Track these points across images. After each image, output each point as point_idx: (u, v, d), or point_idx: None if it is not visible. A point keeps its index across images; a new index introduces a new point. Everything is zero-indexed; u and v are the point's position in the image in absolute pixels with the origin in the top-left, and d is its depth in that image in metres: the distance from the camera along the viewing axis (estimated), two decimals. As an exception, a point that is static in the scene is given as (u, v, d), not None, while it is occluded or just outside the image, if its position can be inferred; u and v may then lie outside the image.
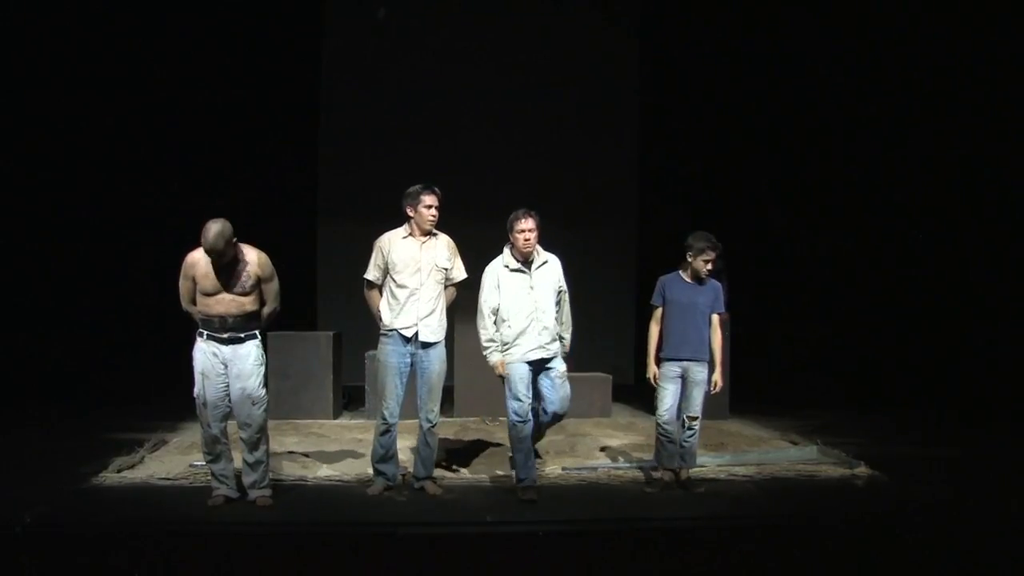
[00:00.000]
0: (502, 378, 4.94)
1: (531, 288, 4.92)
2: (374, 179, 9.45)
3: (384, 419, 4.89)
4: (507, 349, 4.91)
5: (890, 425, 7.35)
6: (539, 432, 5.22)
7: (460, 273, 5.07)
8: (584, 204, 10.10)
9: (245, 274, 4.58)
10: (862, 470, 5.50)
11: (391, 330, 4.88)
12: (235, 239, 4.51)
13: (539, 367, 4.95)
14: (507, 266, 4.96)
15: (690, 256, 5.05)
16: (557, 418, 5.14)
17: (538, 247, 4.98)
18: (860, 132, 9.22)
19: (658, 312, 5.13)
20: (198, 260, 4.54)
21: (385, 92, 9.93)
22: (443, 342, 4.97)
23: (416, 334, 4.84)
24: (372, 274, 4.96)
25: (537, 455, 5.45)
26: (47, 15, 8.34)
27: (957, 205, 8.49)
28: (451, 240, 5.04)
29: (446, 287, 5.00)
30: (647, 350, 5.23)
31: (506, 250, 5.00)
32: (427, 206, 4.84)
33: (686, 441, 5.12)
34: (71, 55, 8.53)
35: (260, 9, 9.26)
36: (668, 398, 5.03)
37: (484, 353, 4.99)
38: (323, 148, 10.07)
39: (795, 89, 9.39)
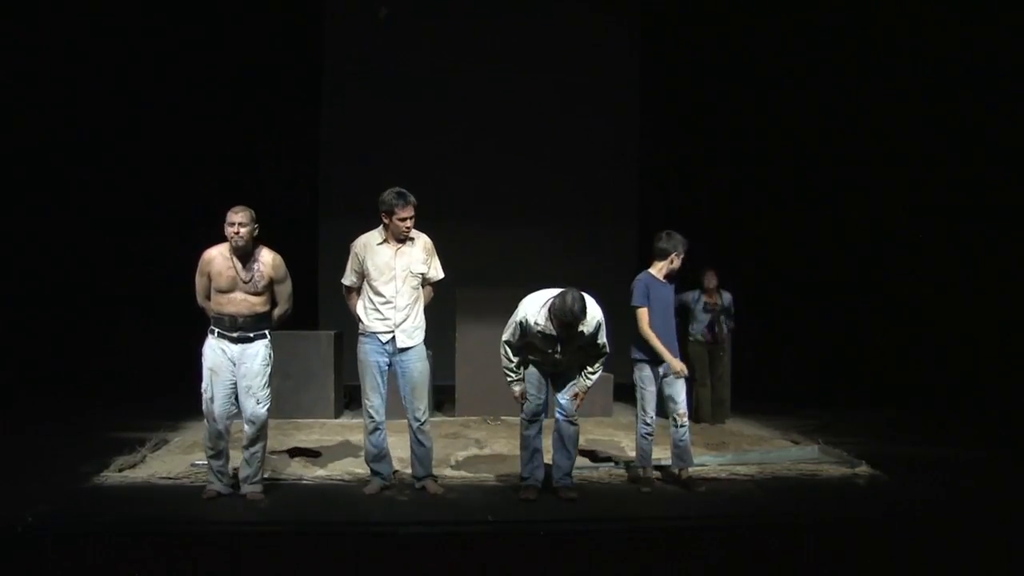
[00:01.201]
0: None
1: (558, 355, 4.75)
2: (375, 178, 9.36)
3: (371, 417, 4.88)
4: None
5: (890, 425, 7.34)
6: (563, 442, 4.95)
7: (437, 273, 5.02)
8: (584, 204, 10.09)
9: (259, 274, 4.64)
10: (863, 470, 5.50)
11: (369, 332, 4.88)
12: (257, 228, 4.61)
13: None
14: (536, 324, 4.66)
15: (676, 257, 5.10)
16: (569, 423, 4.95)
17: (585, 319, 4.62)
18: (861, 130, 9.20)
19: (646, 312, 5.05)
20: (214, 257, 4.64)
21: (386, 91, 9.92)
22: (422, 342, 4.95)
23: (393, 339, 4.85)
24: (349, 279, 4.96)
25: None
26: (48, 15, 8.35)
27: (958, 204, 8.48)
28: (428, 240, 4.97)
29: (424, 286, 4.98)
30: (658, 350, 5.01)
31: (548, 311, 4.64)
32: (401, 219, 4.76)
33: (681, 440, 5.12)
34: (70, 56, 8.53)
35: (261, 8, 9.26)
36: (654, 399, 5.08)
37: (505, 380, 4.92)
38: (324, 147, 10.06)
39: (797, 88, 9.37)
